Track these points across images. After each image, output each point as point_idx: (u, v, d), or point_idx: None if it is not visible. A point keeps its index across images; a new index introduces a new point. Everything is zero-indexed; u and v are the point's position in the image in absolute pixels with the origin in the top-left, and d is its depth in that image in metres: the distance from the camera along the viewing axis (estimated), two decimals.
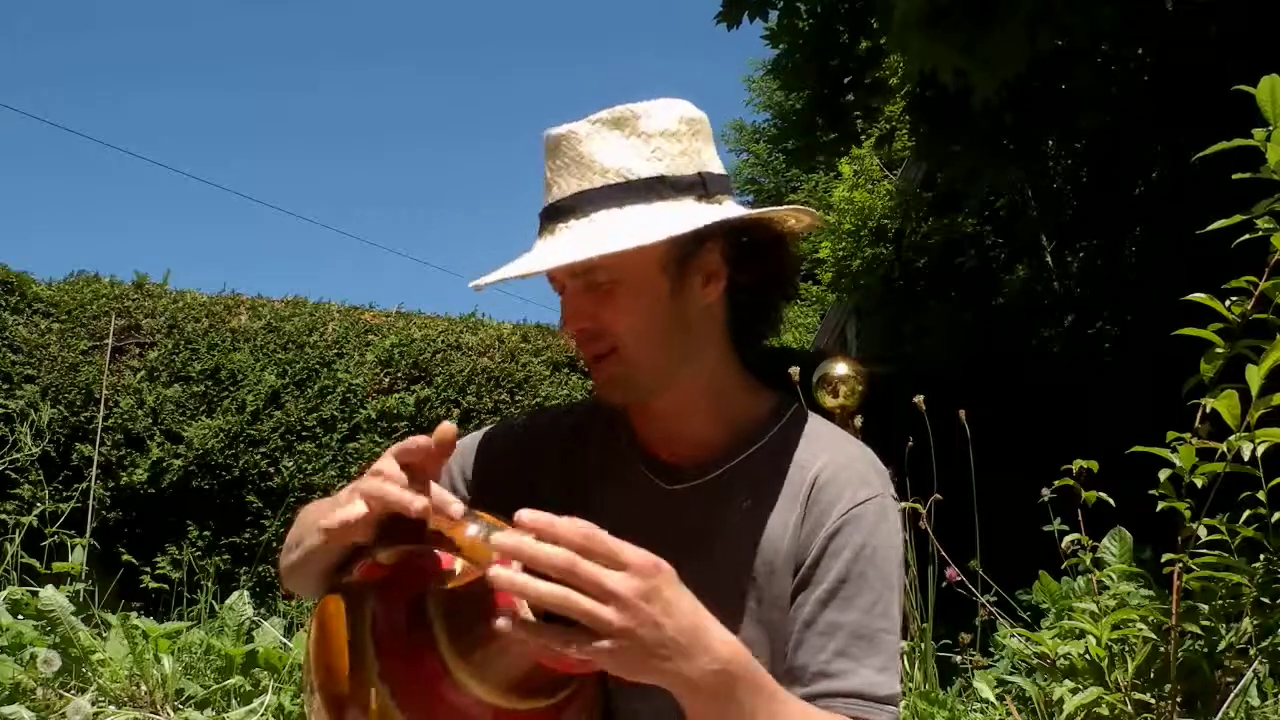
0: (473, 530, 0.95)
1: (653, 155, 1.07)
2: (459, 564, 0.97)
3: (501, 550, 0.85)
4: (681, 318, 1.09)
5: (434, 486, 0.98)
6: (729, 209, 1.10)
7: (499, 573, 0.84)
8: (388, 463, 0.98)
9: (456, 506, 0.96)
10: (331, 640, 0.99)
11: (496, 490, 1.18)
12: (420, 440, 0.98)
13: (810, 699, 1.03)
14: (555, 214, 1.08)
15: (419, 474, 0.98)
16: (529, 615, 0.86)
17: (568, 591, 0.84)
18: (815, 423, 1.17)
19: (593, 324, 1.08)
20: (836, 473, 1.10)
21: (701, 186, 1.09)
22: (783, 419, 1.16)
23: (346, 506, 0.97)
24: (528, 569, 0.84)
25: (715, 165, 1.12)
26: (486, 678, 0.93)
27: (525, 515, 0.86)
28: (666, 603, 0.87)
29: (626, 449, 1.18)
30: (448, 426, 0.98)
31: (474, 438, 1.25)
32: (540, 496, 1.15)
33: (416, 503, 0.94)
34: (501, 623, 0.85)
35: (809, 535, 1.08)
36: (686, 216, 1.06)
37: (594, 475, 1.18)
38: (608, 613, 0.85)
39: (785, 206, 1.13)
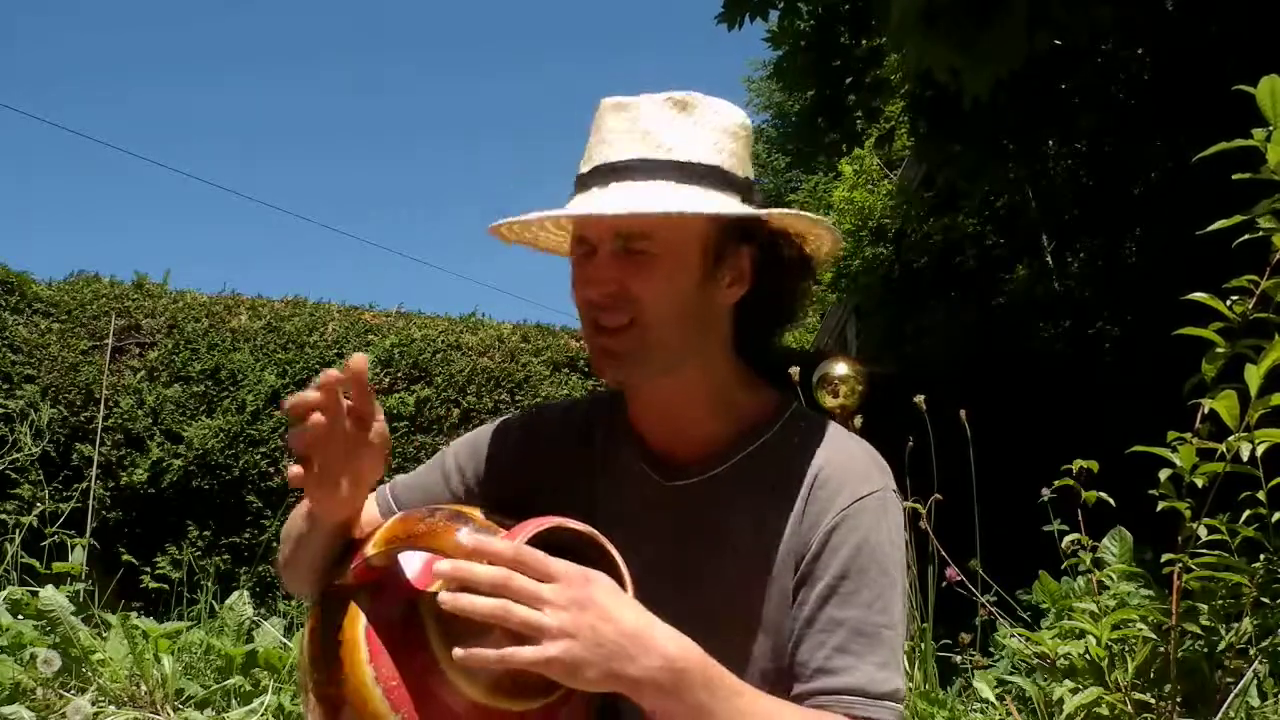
0: (463, 533, 0.96)
1: (714, 147, 1.08)
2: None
3: (444, 576, 0.90)
4: (702, 309, 1.10)
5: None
6: (770, 210, 1.11)
7: (444, 596, 0.89)
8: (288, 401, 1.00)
9: (356, 360, 0.96)
10: (325, 641, 1.00)
11: (500, 487, 1.19)
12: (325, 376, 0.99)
13: (810, 695, 1.03)
14: (610, 171, 1.06)
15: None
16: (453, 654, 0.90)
17: (505, 603, 0.89)
18: (816, 420, 1.17)
19: (619, 289, 1.07)
20: (837, 469, 1.10)
21: (749, 190, 1.11)
22: (784, 417, 1.16)
23: (290, 468, 1.00)
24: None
25: (753, 175, 1.14)
26: (478, 678, 0.94)
27: (462, 538, 0.92)
28: (602, 608, 0.91)
29: (627, 445, 1.18)
30: (355, 357, 0.98)
31: (477, 434, 1.25)
32: (543, 493, 1.16)
33: (310, 391, 0.97)
34: (457, 653, 0.90)
35: (809, 530, 1.08)
36: (738, 206, 1.07)
37: (596, 471, 1.18)
38: (543, 618, 0.89)
39: (822, 219, 1.14)
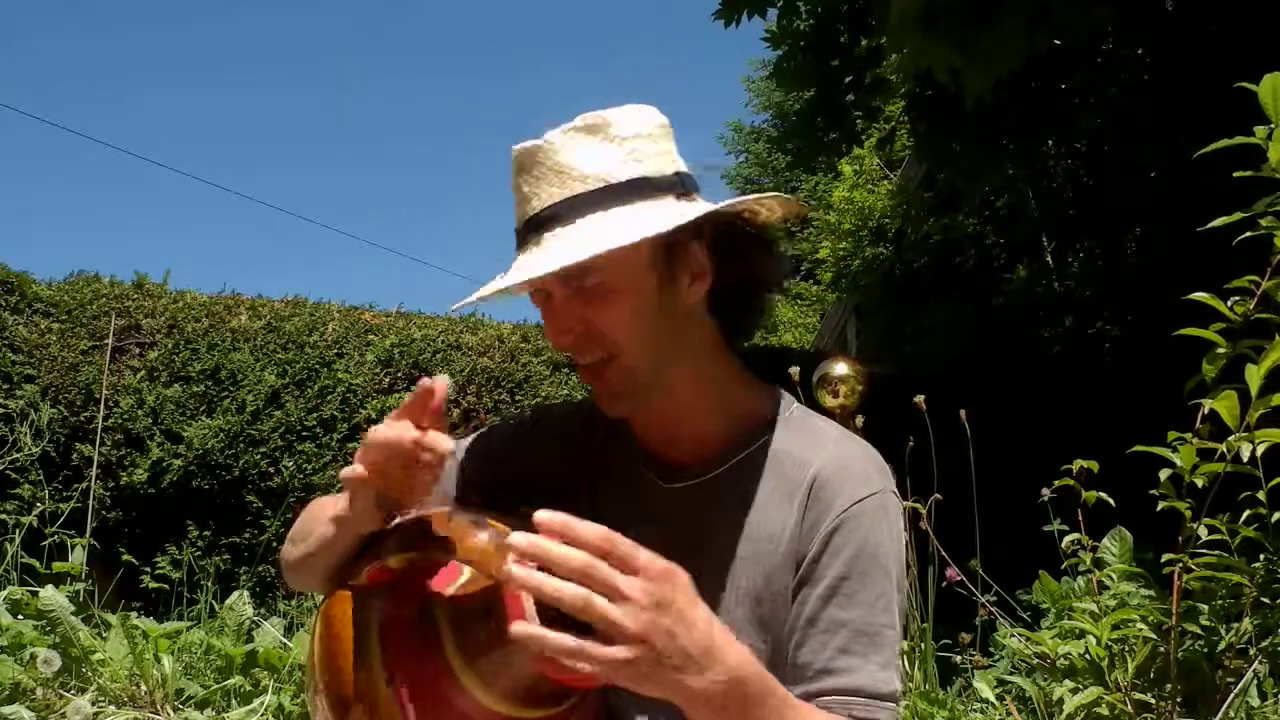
0: (481, 537, 0.95)
1: (630, 157, 1.07)
2: (467, 570, 0.97)
3: (520, 551, 0.84)
4: (671, 316, 1.09)
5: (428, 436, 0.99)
6: (706, 206, 1.10)
7: (516, 571, 0.83)
8: (378, 426, 1.00)
9: (446, 442, 0.97)
10: (338, 641, 0.99)
11: (502, 488, 1.19)
12: (410, 397, 0.99)
13: (813, 696, 1.03)
14: (538, 225, 1.06)
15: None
16: (536, 622, 0.86)
17: (587, 593, 0.83)
18: (815, 420, 1.17)
19: (585, 328, 1.07)
20: (837, 470, 1.09)
21: (680, 185, 1.09)
22: (783, 417, 1.15)
23: (347, 469, 0.99)
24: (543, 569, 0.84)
25: (683, 165, 1.12)
26: (492, 684, 0.93)
27: (544, 516, 0.85)
28: (680, 612, 0.87)
29: (627, 447, 1.18)
30: (440, 378, 0.99)
31: (480, 435, 1.25)
32: (544, 494, 1.16)
33: (408, 435, 0.96)
34: (517, 628, 0.84)
35: (809, 532, 1.08)
36: (674, 213, 1.06)
37: (596, 473, 1.18)
38: (623, 617, 0.84)
39: (763, 195, 1.13)
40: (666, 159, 1.10)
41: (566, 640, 0.83)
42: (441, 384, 0.98)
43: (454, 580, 0.98)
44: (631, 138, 1.08)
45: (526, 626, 0.84)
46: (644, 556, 0.86)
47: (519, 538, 0.84)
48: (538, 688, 0.94)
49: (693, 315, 1.12)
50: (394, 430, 0.98)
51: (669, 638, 0.85)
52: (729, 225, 1.12)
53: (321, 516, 1.08)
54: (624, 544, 0.86)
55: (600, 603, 0.83)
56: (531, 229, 1.07)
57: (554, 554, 0.83)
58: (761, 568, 1.09)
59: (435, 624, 0.95)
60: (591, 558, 0.84)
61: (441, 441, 0.97)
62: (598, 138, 1.07)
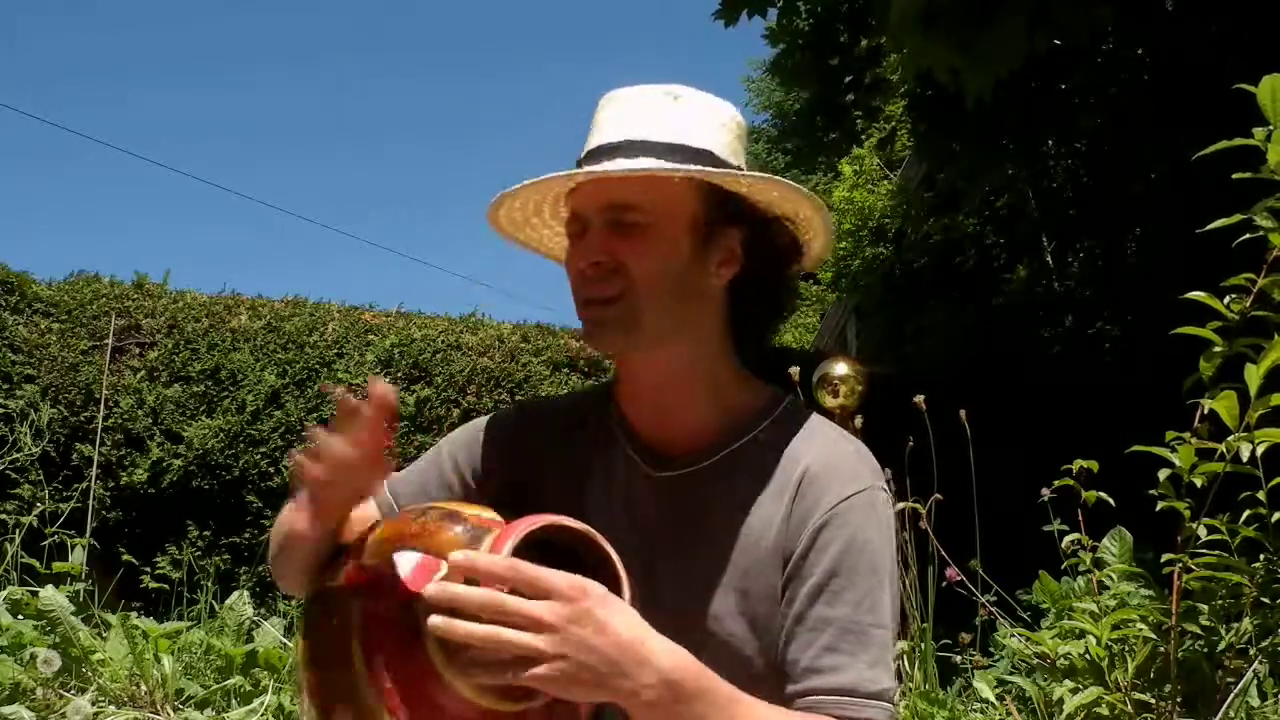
0: (456, 530, 0.96)
1: (704, 132, 1.11)
2: (444, 565, 0.97)
3: (434, 602, 0.90)
4: (692, 286, 1.11)
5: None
6: (763, 176, 1.13)
7: (435, 622, 0.89)
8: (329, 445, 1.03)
9: (380, 386, 1.03)
10: (319, 643, 1.00)
11: (494, 480, 1.19)
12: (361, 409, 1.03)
13: (800, 695, 1.03)
14: (602, 152, 1.09)
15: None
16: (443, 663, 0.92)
17: (496, 630, 0.88)
18: (809, 417, 1.17)
19: (610, 260, 1.09)
20: (826, 466, 1.10)
21: (740, 172, 1.12)
22: (776, 412, 1.16)
23: (296, 503, 1.05)
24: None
25: (744, 165, 1.15)
26: (473, 679, 0.94)
27: (455, 556, 0.91)
28: (598, 623, 0.90)
29: (618, 435, 1.18)
30: (380, 386, 1.03)
31: (471, 428, 1.25)
32: (535, 484, 1.16)
33: (348, 452, 1.00)
34: (448, 674, 0.90)
35: (797, 528, 1.08)
36: (731, 173, 1.10)
37: (586, 462, 1.19)
38: (538, 641, 0.88)
39: (802, 189, 1.14)
40: (735, 152, 1.14)
41: (489, 673, 0.90)
42: (385, 388, 1.04)
43: (432, 576, 0.98)
44: (709, 118, 1.12)
45: (455, 671, 0.90)
46: (553, 578, 0.90)
47: (431, 589, 0.90)
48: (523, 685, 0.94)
49: (711, 297, 1.13)
50: (344, 451, 1.02)
51: (587, 650, 0.89)
52: (767, 224, 1.14)
53: (287, 520, 1.12)
54: (527, 571, 0.90)
55: (509, 634, 0.88)
56: (593, 156, 1.10)
57: (461, 598, 0.89)
58: (748, 560, 1.09)
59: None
60: (495, 594, 0.89)
61: (377, 386, 1.03)
62: (680, 105, 1.11)
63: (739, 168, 1.13)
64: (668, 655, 0.93)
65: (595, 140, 1.11)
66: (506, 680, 0.89)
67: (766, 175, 1.12)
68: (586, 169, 1.08)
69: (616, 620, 0.91)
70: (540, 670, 0.88)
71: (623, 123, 1.10)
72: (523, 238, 1.23)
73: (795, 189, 1.12)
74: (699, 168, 1.07)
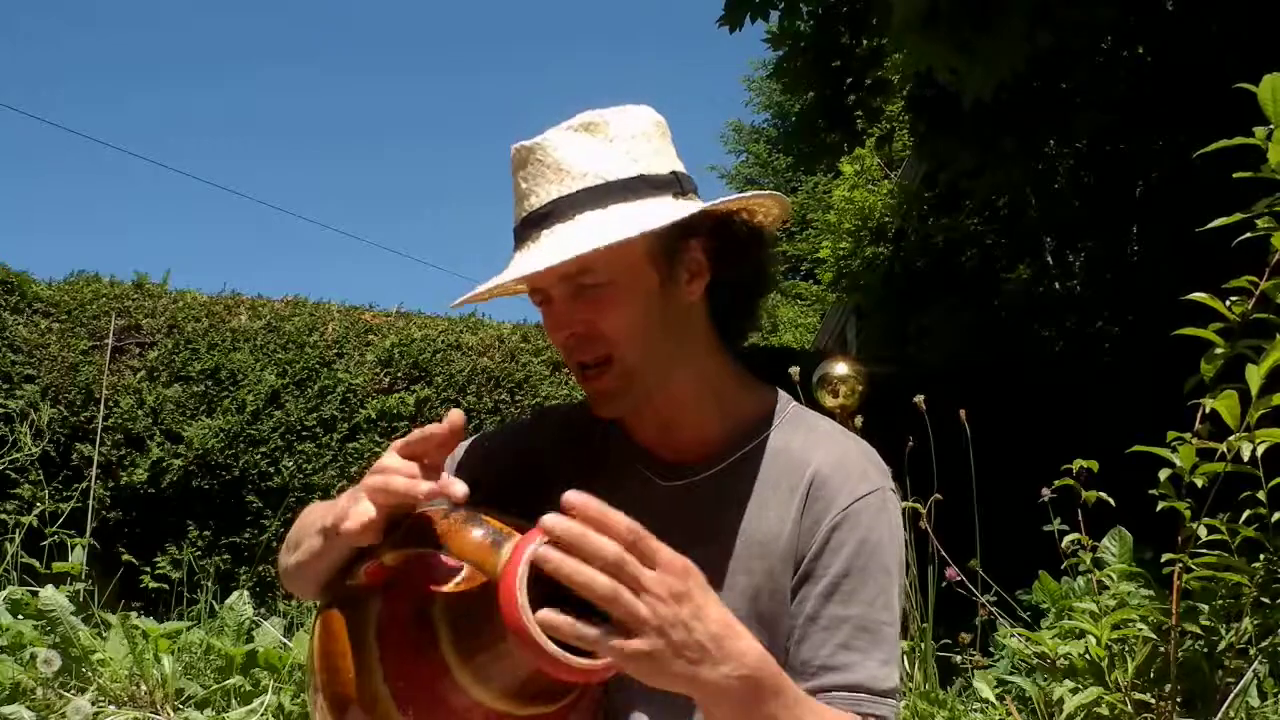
0: (477, 534, 0.95)
1: (626, 156, 1.08)
2: (464, 568, 0.97)
3: (557, 535, 0.85)
4: (670, 315, 1.10)
5: (441, 481, 0.98)
6: (703, 204, 1.10)
7: (551, 554, 0.84)
8: (391, 458, 0.98)
9: (459, 488, 0.96)
10: (335, 640, 0.99)
11: (502, 488, 1.18)
12: (427, 429, 0.98)
13: (814, 693, 1.03)
14: (536, 221, 1.06)
15: (425, 465, 0.98)
16: (529, 617, 0.85)
17: (617, 584, 0.84)
18: (814, 419, 1.17)
19: (586, 329, 1.08)
20: (836, 467, 1.10)
21: (677, 184, 1.10)
22: (781, 415, 1.16)
23: (355, 508, 0.97)
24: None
25: (680, 165, 1.13)
26: (489, 681, 0.93)
27: (578, 499, 0.86)
28: (697, 606, 0.88)
29: (624, 446, 1.18)
30: (457, 414, 0.98)
31: (480, 436, 1.25)
32: (542, 495, 1.16)
33: (421, 487, 0.94)
34: (544, 614, 0.84)
35: (809, 530, 1.08)
36: (671, 210, 1.06)
37: (595, 472, 1.18)
38: (644, 609, 0.85)
39: (759, 193, 1.13)
40: (664, 158, 1.10)
41: (590, 630, 0.84)
42: (460, 421, 0.98)
43: (451, 578, 0.98)
44: (628, 137, 1.08)
45: (553, 614, 0.84)
46: (664, 551, 0.87)
47: (555, 521, 0.85)
48: (535, 684, 0.94)
49: (691, 314, 1.12)
50: (411, 484, 0.96)
51: (685, 630, 0.86)
52: (726, 224, 1.12)
53: (312, 527, 1.07)
54: (647, 537, 0.87)
55: (627, 595, 0.84)
56: (529, 226, 1.07)
57: (591, 543, 0.84)
58: (761, 565, 1.09)
59: (432, 622, 0.95)
60: (623, 550, 0.85)
61: (456, 489, 0.96)
62: (596, 136, 1.07)
63: (672, 173, 1.10)
64: (755, 651, 0.91)
65: (525, 208, 1.07)
66: (601, 645, 0.84)
67: (703, 206, 1.08)
68: (529, 270, 1.03)
69: (713, 606, 0.89)
70: (639, 644, 0.85)
71: (545, 177, 1.06)
72: (491, 294, 1.20)
73: (737, 198, 1.11)
74: (638, 228, 1.02)
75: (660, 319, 1.08)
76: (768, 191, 1.13)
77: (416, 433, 0.99)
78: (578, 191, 1.05)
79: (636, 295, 1.07)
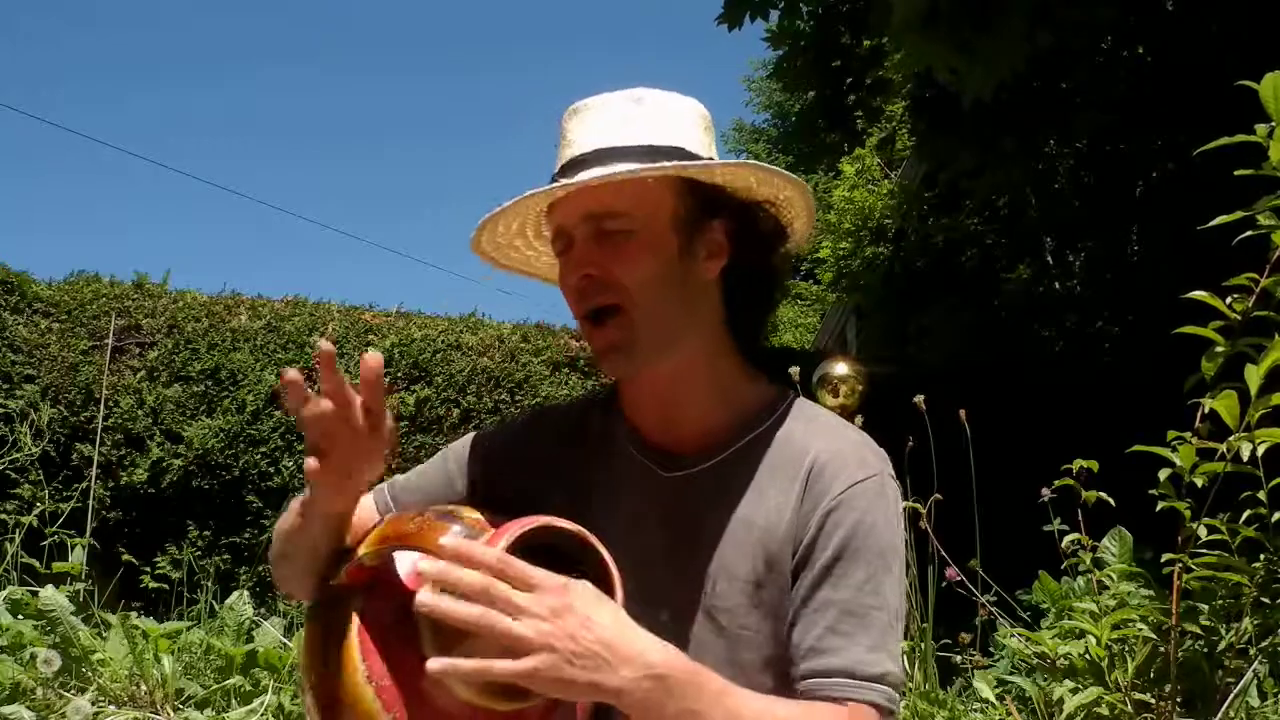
0: (453, 530, 0.96)
1: (668, 129, 1.11)
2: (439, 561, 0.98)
3: (426, 576, 0.90)
4: (684, 285, 1.11)
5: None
6: (740, 163, 1.13)
7: (421, 598, 0.89)
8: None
9: (326, 345, 0.96)
10: (321, 641, 1.01)
11: (500, 486, 1.19)
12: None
13: (802, 677, 1.04)
14: (574, 164, 1.09)
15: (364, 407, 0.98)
16: (431, 666, 0.89)
17: (484, 610, 0.88)
18: (813, 409, 1.18)
19: (600, 273, 1.09)
20: (834, 455, 1.10)
21: (712, 163, 1.12)
22: (781, 407, 1.16)
23: (307, 461, 0.98)
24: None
25: (717, 157, 1.15)
26: (470, 678, 0.94)
27: (447, 541, 0.92)
28: (582, 616, 0.90)
29: (625, 438, 1.18)
30: (374, 356, 0.98)
31: (477, 435, 1.26)
32: (542, 491, 1.16)
33: (289, 372, 0.95)
34: (431, 665, 0.89)
35: (807, 516, 1.08)
36: (704, 163, 1.10)
37: (594, 466, 1.19)
38: (521, 629, 0.88)
39: (778, 170, 1.14)
40: (705, 145, 1.14)
41: (471, 664, 0.88)
42: (376, 356, 0.98)
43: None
44: (675, 116, 1.12)
45: (437, 661, 0.89)
46: (538, 574, 0.91)
47: (424, 565, 0.90)
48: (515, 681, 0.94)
49: (705, 292, 1.13)
50: (317, 405, 0.97)
51: (572, 640, 0.89)
52: (750, 212, 1.14)
53: (292, 510, 1.10)
54: (517, 565, 0.90)
55: (498, 618, 0.88)
56: (565, 170, 1.10)
57: (453, 577, 0.89)
58: (761, 553, 1.09)
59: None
60: (488, 578, 0.89)
61: (324, 344, 0.96)
62: (644, 108, 1.11)
63: (709, 159, 1.13)
64: (655, 650, 0.93)
65: (566, 154, 1.11)
66: (491, 673, 0.88)
67: (739, 161, 1.12)
68: (560, 183, 1.07)
69: (602, 615, 0.91)
70: (527, 662, 0.88)
71: (590, 132, 1.10)
72: (509, 262, 1.24)
73: (770, 170, 1.12)
74: (671, 163, 1.07)
75: (674, 284, 1.10)
76: (799, 181, 1.15)
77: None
78: (621, 146, 1.09)
79: (655, 251, 1.09)
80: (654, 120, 1.11)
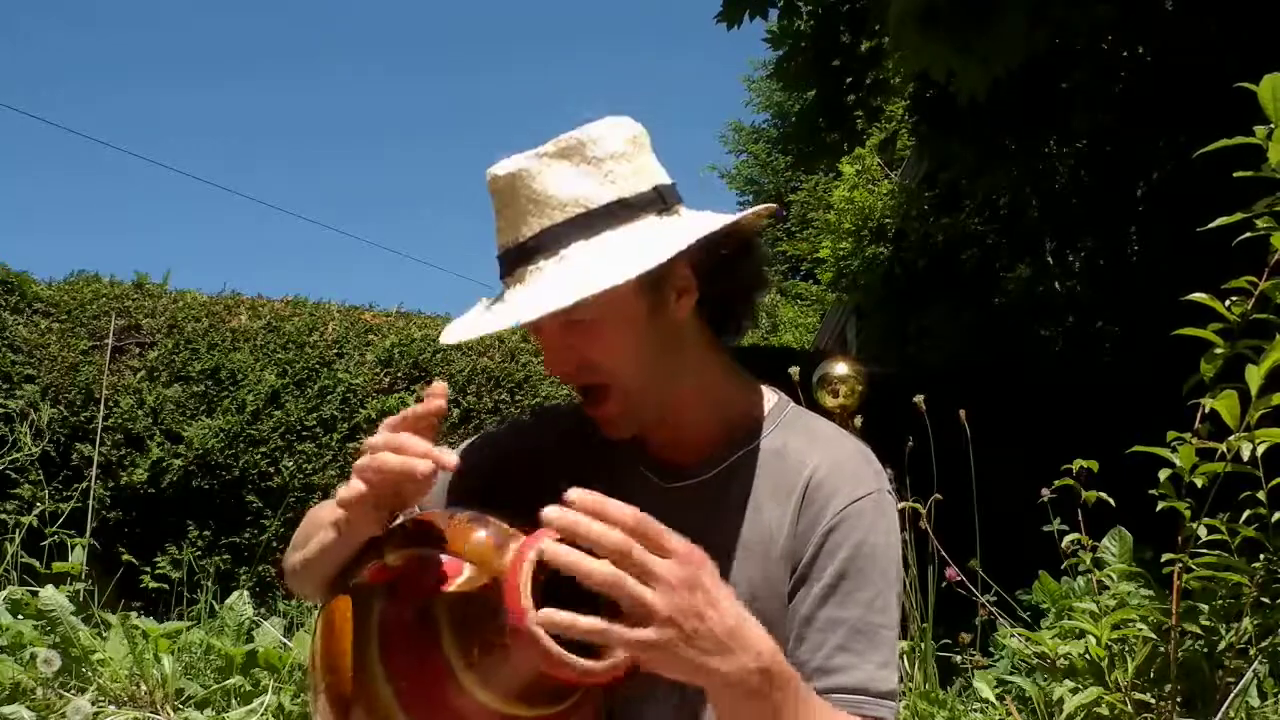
0: (481, 534, 0.95)
1: (606, 180, 1.06)
2: (467, 568, 0.97)
3: (558, 525, 0.84)
4: (663, 336, 1.10)
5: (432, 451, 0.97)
6: (688, 217, 1.10)
7: (551, 546, 0.83)
8: (381, 435, 0.97)
9: (450, 456, 0.96)
10: (338, 641, 0.99)
11: (503, 490, 1.18)
12: (415, 408, 0.98)
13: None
14: (521, 256, 1.06)
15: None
16: (532, 616, 0.85)
17: (620, 572, 0.83)
18: (811, 420, 1.17)
19: (580, 360, 1.09)
20: (832, 470, 1.10)
21: (660, 200, 1.09)
22: (779, 417, 1.16)
23: (345, 488, 0.97)
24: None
25: (663, 175, 1.11)
26: (491, 683, 0.93)
27: (576, 494, 0.85)
28: (709, 594, 0.86)
29: (625, 447, 1.18)
30: (439, 384, 0.98)
31: (481, 437, 1.26)
32: (544, 497, 1.16)
33: (420, 466, 0.93)
34: (544, 613, 0.83)
35: (805, 532, 1.08)
36: (655, 235, 1.05)
37: (593, 474, 1.18)
38: (654, 598, 0.83)
39: (743, 212, 1.12)
40: (644, 176, 1.09)
41: (594, 622, 0.82)
42: (443, 392, 0.97)
43: (454, 578, 0.98)
44: (607, 158, 1.07)
45: (551, 612, 0.83)
46: (674, 539, 0.86)
47: (554, 512, 0.84)
48: (538, 685, 0.93)
49: (684, 328, 1.12)
50: (401, 461, 0.95)
51: (698, 619, 0.85)
52: (711, 242, 1.10)
53: (321, 522, 1.07)
54: (654, 525, 0.86)
55: (633, 583, 0.83)
56: (515, 260, 1.07)
57: (593, 532, 0.83)
58: (758, 567, 1.09)
59: (435, 623, 0.94)
60: (627, 537, 0.83)
61: (448, 458, 0.95)
62: (573, 161, 1.06)
63: (654, 188, 1.08)
64: (764, 641, 0.91)
65: (505, 238, 1.07)
66: (609, 635, 0.83)
67: (683, 236, 1.05)
68: (506, 323, 1.04)
69: (725, 596, 0.88)
70: (649, 633, 0.83)
71: (525, 209, 1.05)
72: (485, 332, 1.17)
73: (713, 222, 1.08)
74: (608, 284, 1.00)
75: (653, 342, 1.09)
76: (746, 210, 1.13)
77: (406, 411, 0.98)
78: (559, 223, 1.05)
79: (626, 326, 1.07)
80: (583, 177, 1.05)
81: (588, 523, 0.83)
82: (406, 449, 0.95)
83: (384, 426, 0.99)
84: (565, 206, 1.05)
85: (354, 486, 0.96)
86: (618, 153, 1.07)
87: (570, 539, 0.83)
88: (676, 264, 1.06)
